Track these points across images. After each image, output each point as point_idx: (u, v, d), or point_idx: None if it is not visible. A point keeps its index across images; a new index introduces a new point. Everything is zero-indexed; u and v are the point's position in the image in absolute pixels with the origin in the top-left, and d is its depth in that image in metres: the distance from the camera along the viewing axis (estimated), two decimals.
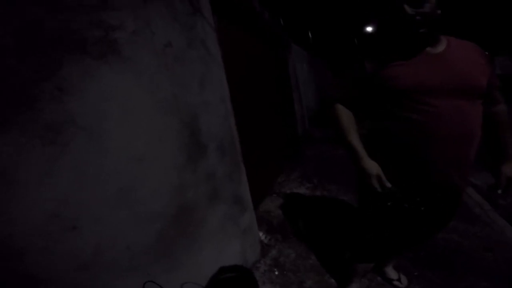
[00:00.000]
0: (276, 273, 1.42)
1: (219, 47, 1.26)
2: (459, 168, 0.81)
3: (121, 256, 0.78)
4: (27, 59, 0.58)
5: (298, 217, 1.92)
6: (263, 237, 1.68)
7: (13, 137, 0.56)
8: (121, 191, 0.76)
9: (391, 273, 1.30)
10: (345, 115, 0.90)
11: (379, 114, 0.86)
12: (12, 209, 0.58)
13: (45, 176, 0.61)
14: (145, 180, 0.82)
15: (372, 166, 0.84)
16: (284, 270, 1.44)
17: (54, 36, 0.62)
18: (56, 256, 0.66)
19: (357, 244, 1.12)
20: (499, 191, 0.89)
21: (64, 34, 0.63)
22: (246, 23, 2.03)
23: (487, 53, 0.86)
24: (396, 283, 1.28)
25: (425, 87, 0.76)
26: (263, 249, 1.58)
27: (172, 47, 0.93)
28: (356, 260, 1.16)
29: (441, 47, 0.81)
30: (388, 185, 0.83)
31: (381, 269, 1.32)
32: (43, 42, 0.60)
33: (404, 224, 0.96)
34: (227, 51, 1.42)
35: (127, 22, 0.77)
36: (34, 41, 0.59)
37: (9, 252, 0.60)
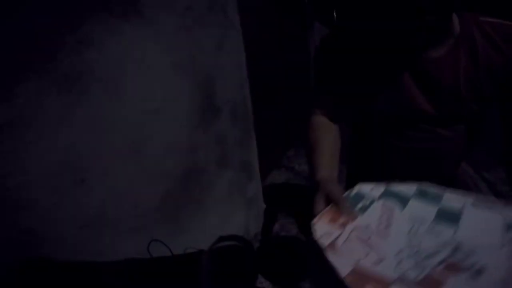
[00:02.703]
0: None
1: (238, 14, 1.26)
2: None
3: (127, 215, 0.78)
4: (55, 13, 0.63)
5: (303, 195, 1.96)
6: None
7: (32, 83, 0.59)
8: (133, 143, 0.79)
9: None
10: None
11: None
12: (24, 157, 0.58)
13: (59, 123, 0.63)
14: (158, 134, 0.86)
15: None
16: None
17: None
18: (61, 212, 0.64)
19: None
20: None
21: None
22: None
23: None
24: None
25: None
26: None
27: (192, 10, 0.96)
28: None
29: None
30: None
31: None
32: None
33: None
34: (245, 20, 1.42)
35: None
36: None
37: (15, 205, 0.57)
